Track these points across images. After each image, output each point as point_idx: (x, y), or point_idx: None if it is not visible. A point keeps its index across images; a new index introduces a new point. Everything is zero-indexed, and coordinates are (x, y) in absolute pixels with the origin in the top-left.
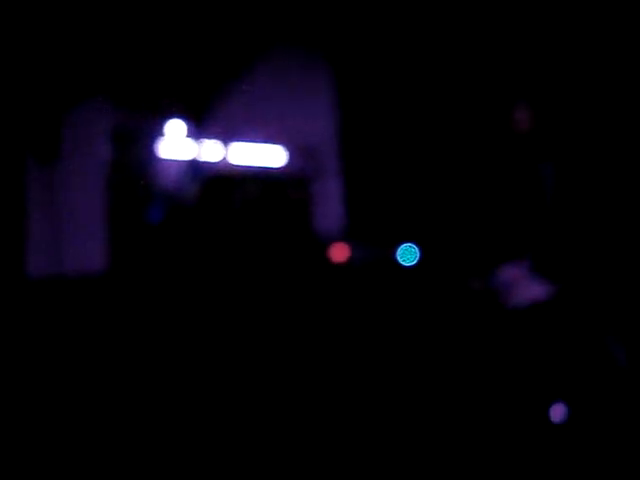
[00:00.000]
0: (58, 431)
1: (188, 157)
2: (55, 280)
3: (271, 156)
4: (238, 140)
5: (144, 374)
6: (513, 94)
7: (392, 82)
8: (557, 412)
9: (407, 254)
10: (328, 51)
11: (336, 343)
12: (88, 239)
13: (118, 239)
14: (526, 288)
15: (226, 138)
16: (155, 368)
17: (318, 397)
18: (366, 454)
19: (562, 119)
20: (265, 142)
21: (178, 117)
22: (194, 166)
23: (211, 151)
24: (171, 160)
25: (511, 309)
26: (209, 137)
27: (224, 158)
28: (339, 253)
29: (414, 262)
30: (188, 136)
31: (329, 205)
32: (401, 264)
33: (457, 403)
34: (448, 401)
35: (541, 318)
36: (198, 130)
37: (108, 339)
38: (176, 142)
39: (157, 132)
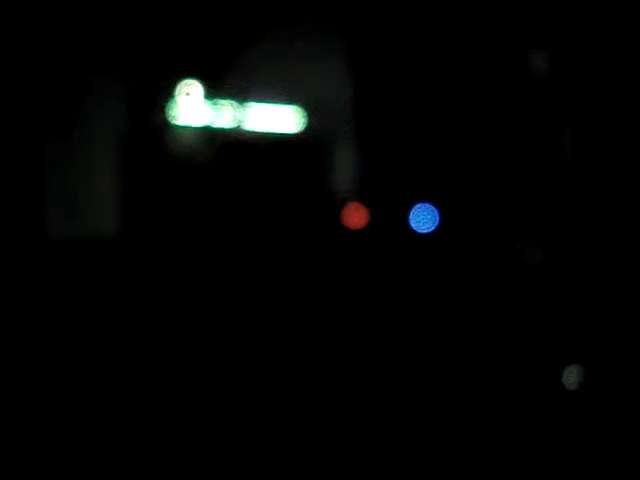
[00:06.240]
0: (68, 379)
1: (203, 122)
2: (72, 241)
3: (286, 120)
4: (253, 103)
5: (154, 335)
6: (534, 50)
7: (406, 44)
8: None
9: (423, 219)
10: (343, 13)
11: (350, 307)
12: (103, 203)
13: (133, 204)
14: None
15: (241, 101)
16: (166, 328)
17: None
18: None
19: (586, 79)
20: (280, 105)
21: (193, 81)
22: (209, 130)
23: (226, 115)
24: (186, 125)
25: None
26: (224, 101)
27: (239, 122)
28: (356, 217)
29: (431, 228)
30: (203, 100)
31: (345, 168)
32: (417, 230)
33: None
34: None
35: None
36: (213, 94)
37: (119, 300)
38: (192, 106)
39: (173, 97)
